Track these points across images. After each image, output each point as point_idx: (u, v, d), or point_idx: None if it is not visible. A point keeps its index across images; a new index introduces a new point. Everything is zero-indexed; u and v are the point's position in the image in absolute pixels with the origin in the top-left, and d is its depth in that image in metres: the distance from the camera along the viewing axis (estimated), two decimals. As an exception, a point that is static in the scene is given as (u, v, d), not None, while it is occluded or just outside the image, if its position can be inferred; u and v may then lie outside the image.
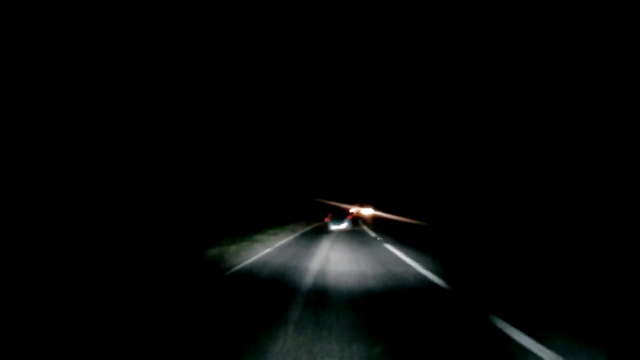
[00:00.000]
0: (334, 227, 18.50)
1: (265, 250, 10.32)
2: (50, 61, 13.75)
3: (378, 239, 14.31)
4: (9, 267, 6.36)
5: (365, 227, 21.82)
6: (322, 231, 18.43)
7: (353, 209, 33.56)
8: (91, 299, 4.98)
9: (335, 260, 8.68)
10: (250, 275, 6.88)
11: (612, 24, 15.70)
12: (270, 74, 38.63)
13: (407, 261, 8.51)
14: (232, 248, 10.36)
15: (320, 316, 4.29)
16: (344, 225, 18.56)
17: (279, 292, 5.56)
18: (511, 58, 22.34)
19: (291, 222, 23.87)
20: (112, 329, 3.95)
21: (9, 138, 11.49)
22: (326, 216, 21.74)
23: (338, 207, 28.60)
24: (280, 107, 40.52)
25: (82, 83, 14.60)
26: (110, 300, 4.99)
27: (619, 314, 4.52)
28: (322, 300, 5.07)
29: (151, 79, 18.53)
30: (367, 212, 39.68)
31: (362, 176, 59.97)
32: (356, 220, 25.54)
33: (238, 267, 7.66)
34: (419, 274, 6.94)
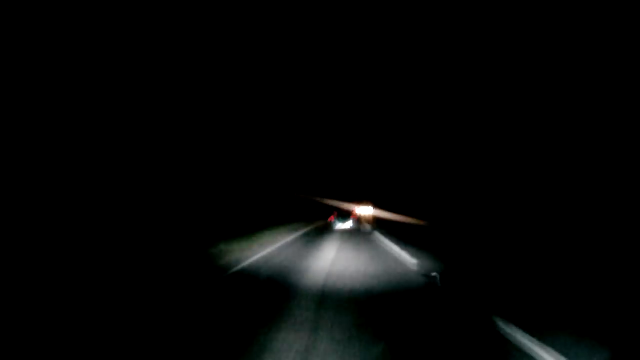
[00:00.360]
0: (339, 225, 19.84)
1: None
2: (50, 61, 13.76)
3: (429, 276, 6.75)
4: (11, 263, 6.35)
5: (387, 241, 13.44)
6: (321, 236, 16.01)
7: (357, 210, 33.24)
8: (95, 297, 4.96)
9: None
10: (251, 275, 6.88)
11: (612, 24, 15.59)
12: (269, 74, 38.48)
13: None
14: (232, 249, 10.36)
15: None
16: (348, 224, 19.74)
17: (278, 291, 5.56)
18: (510, 56, 22.22)
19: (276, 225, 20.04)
20: (115, 326, 3.93)
21: (9, 138, 11.51)
22: (330, 216, 23.39)
23: (339, 208, 29.21)
24: (274, 103, 40.08)
25: (82, 82, 14.60)
26: (115, 297, 4.98)
27: (620, 313, 4.49)
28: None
29: (154, 79, 18.54)
30: (366, 211, 38.72)
31: (358, 173, 59.47)
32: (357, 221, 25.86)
33: (239, 267, 7.66)
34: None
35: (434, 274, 6.67)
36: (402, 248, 10.80)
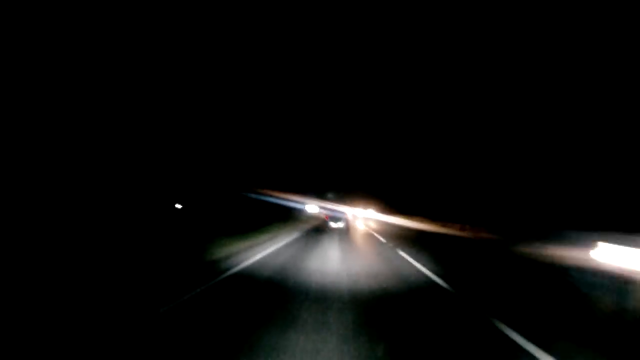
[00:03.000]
0: (333, 224, 23.76)
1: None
2: (48, 62, 13.66)
3: None
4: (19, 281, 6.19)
5: None
6: None
7: (349, 212, 34.33)
8: (79, 307, 4.87)
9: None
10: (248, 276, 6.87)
11: (612, 24, 15.53)
12: (262, 75, 37.78)
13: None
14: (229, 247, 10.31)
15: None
16: (341, 224, 23.70)
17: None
18: (541, 50, 21.25)
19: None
20: (103, 333, 3.85)
21: (9, 140, 11.40)
22: (325, 216, 28.29)
23: (333, 211, 31.03)
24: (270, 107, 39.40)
25: (74, 83, 14.49)
26: (107, 300, 4.90)
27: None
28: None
29: (147, 81, 18.44)
30: (360, 214, 37.70)
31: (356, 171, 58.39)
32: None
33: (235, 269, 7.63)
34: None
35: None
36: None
